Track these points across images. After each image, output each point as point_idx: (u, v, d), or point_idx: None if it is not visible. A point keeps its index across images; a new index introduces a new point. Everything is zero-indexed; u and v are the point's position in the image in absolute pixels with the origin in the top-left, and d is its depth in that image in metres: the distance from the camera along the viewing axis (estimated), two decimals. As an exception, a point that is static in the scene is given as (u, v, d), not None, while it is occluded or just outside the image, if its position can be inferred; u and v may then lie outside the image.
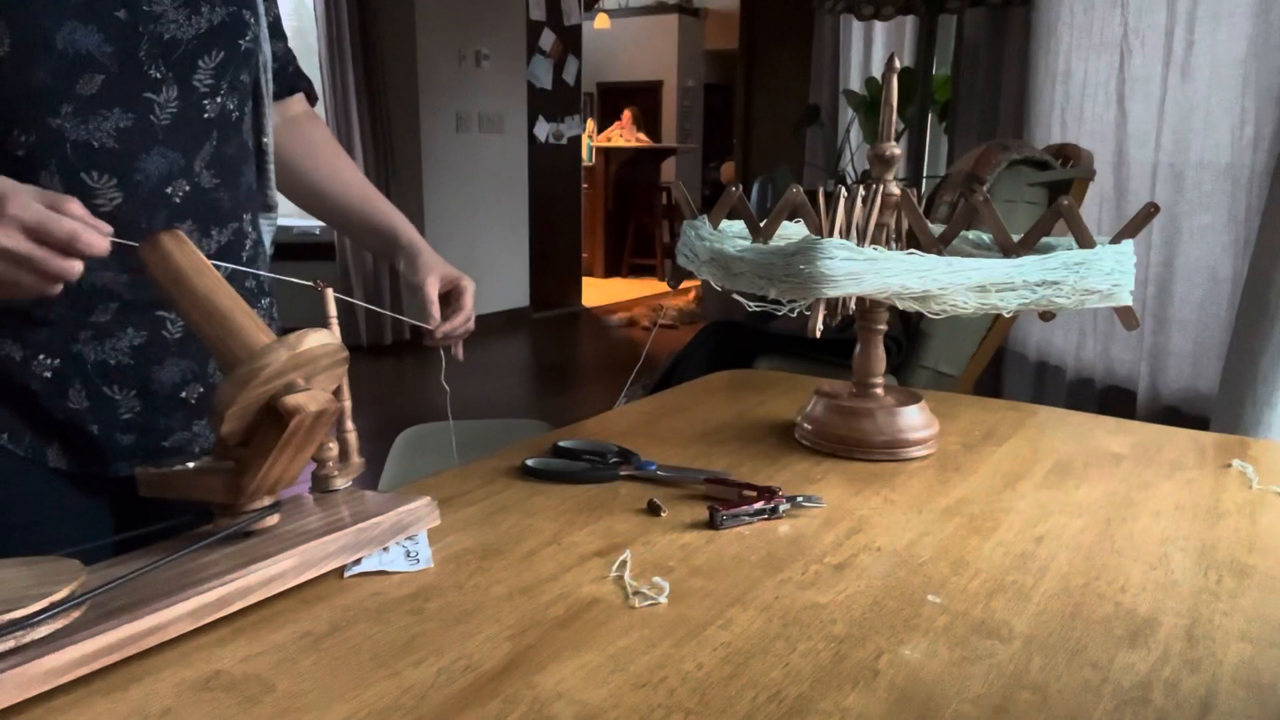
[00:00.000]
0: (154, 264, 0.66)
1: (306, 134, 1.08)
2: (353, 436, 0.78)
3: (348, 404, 0.76)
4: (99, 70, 0.76)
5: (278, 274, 0.96)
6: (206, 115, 0.84)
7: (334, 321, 0.75)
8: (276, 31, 0.99)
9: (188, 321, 0.66)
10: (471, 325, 1.07)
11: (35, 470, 0.83)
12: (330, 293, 0.76)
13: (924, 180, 3.47)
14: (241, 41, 0.86)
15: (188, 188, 0.83)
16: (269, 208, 0.98)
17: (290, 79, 1.05)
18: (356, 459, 0.78)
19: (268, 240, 0.98)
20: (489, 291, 5.11)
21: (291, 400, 0.62)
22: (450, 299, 1.05)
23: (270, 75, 0.94)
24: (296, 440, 0.63)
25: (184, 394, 0.86)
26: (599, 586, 0.66)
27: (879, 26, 4.25)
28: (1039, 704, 0.52)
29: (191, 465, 0.68)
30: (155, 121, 0.80)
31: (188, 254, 0.66)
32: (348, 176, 1.09)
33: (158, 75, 0.80)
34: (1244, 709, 0.52)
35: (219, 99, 0.85)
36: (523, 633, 0.60)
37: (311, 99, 1.10)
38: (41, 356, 0.80)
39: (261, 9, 0.91)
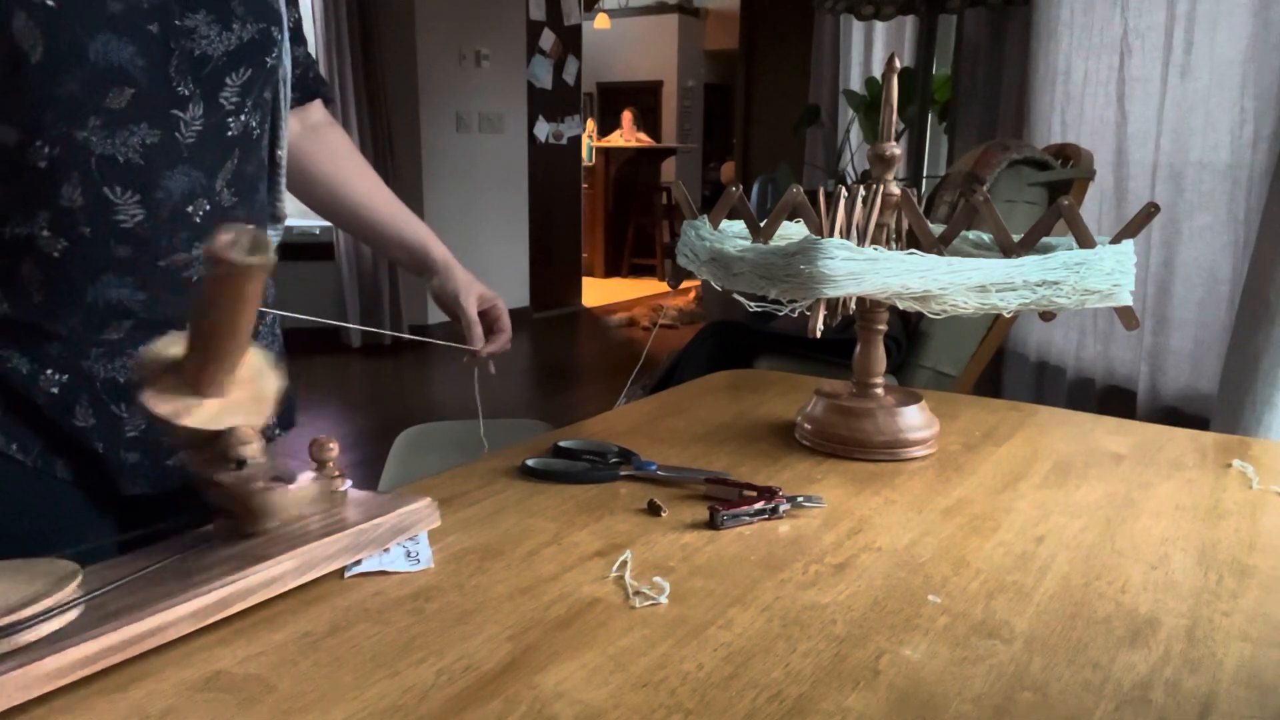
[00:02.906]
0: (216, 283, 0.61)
1: (330, 143, 1.08)
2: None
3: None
4: (129, 84, 0.75)
5: (284, 274, 0.96)
6: (230, 133, 0.83)
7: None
8: (297, 36, 0.98)
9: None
10: (509, 344, 1.11)
11: (44, 480, 0.82)
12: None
13: (924, 180, 3.47)
14: (268, 59, 0.85)
15: (208, 206, 0.82)
16: (277, 219, 0.98)
17: (312, 85, 1.04)
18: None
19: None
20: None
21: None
22: (487, 318, 1.09)
23: (289, 88, 0.94)
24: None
25: None
26: (599, 586, 0.66)
27: (879, 26, 4.25)
28: (1039, 704, 0.52)
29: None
30: (180, 139, 0.79)
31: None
32: (374, 189, 1.10)
33: (186, 92, 0.79)
34: (1244, 709, 0.52)
35: (243, 117, 0.84)
36: (523, 633, 0.60)
37: (328, 103, 1.10)
38: (49, 371, 0.79)
39: (285, 22, 0.90)
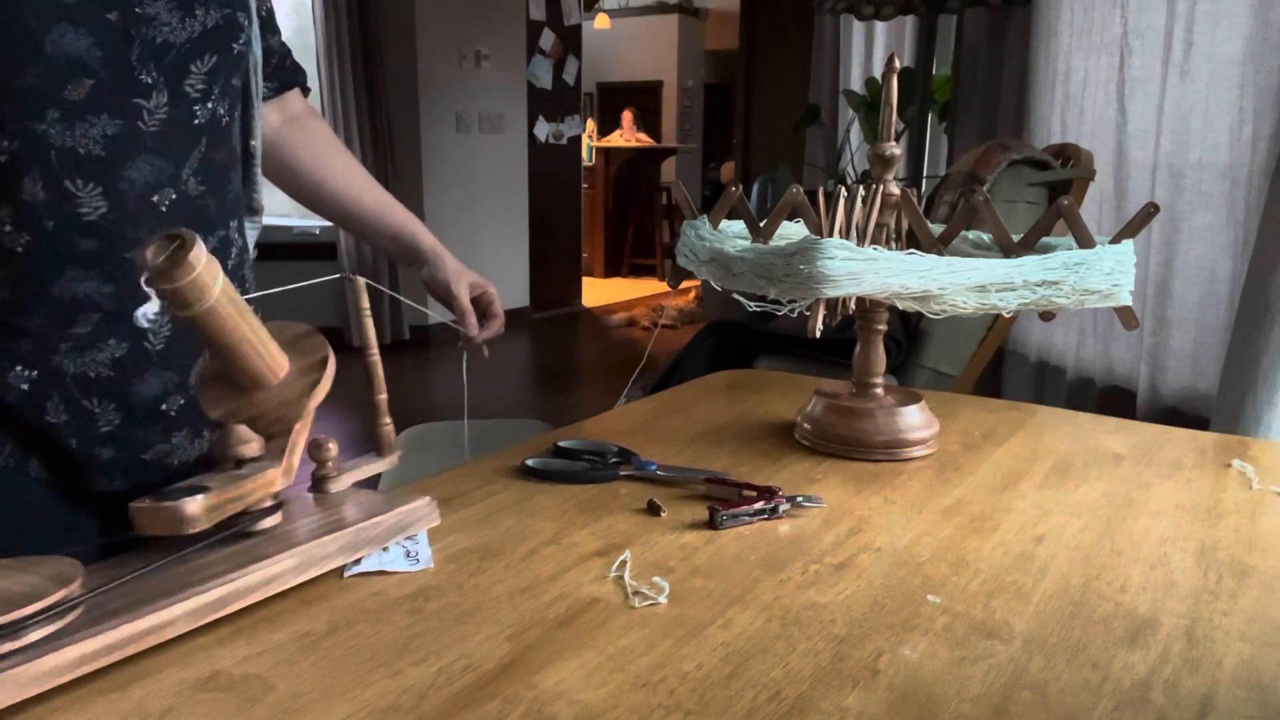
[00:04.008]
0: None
1: (312, 133, 1.07)
2: (389, 430, 0.78)
3: (383, 396, 0.77)
4: (88, 75, 0.74)
5: (271, 274, 0.96)
6: (197, 121, 0.82)
7: (367, 313, 0.75)
8: (270, 25, 0.97)
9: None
10: (503, 328, 1.13)
11: (17, 479, 0.81)
12: (362, 282, 0.75)
13: (924, 180, 3.47)
14: (235, 45, 0.84)
15: (174, 196, 0.81)
16: (254, 211, 0.97)
17: (289, 73, 1.03)
18: (393, 454, 0.78)
19: (251, 243, 0.97)
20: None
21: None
22: (479, 304, 1.10)
23: (260, 76, 0.93)
24: None
25: (164, 406, 0.85)
26: (599, 586, 0.66)
27: (879, 26, 4.25)
28: (1039, 704, 0.52)
29: (188, 485, 0.65)
30: (144, 128, 0.78)
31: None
32: (359, 180, 1.09)
33: (148, 80, 0.78)
34: (1244, 709, 0.52)
35: (210, 104, 0.83)
36: (523, 633, 0.60)
37: (305, 91, 1.09)
38: (19, 368, 0.78)
39: (254, 8, 0.89)
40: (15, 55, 0.71)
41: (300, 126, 1.06)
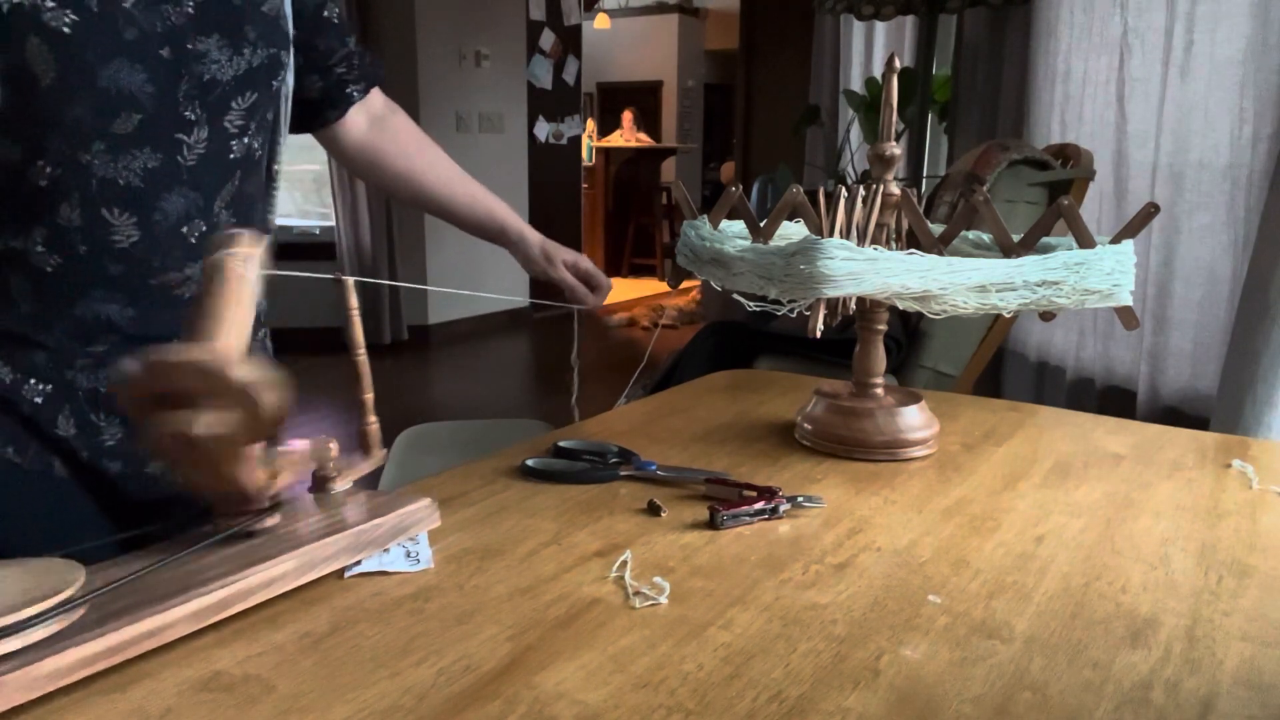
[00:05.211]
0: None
1: (398, 130, 1.11)
2: (375, 429, 0.78)
3: (370, 396, 0.77)
4: (137, 109, 0.75)
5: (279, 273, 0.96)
6: (233, 156, 0.83)
7: (355, 313, 0.75)
8: (345, 28, 0.99)
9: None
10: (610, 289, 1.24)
11: (43, 480, 0.82)
12: (350, 282, 0.76)
13: (924, 180, 3.47)
14: (274, 82, 0.85)
15: (204, 227, 0.82)
16: (266, 231, 0.98)
17: (372, 71, 1.06)
18: (378, 451, 0.78)
19: None
20: (489, 292, 5.14)
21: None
22: (580, 275, 1.20)
23: (289, 106, 0.94)
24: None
25: None
26: (599, 587, 0.66)
27: (879, 26, 4.25)
28: (1039, 704, 0.52)
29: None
30: (182, 162, 0.79)
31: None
32: (446, 173, 1.14)
33: (192, 116, 0.79)
34: (1244, 709, 0.52)
35: (246, 139, 0.84)
36: (523, 633, 0.60)
37: (383, 86, 1.12)
38: (34, 381, 0.79)
39: (292, 43, 0.90)
40: (70, 87, 0.72)
41: (385, 125, 1.10)
